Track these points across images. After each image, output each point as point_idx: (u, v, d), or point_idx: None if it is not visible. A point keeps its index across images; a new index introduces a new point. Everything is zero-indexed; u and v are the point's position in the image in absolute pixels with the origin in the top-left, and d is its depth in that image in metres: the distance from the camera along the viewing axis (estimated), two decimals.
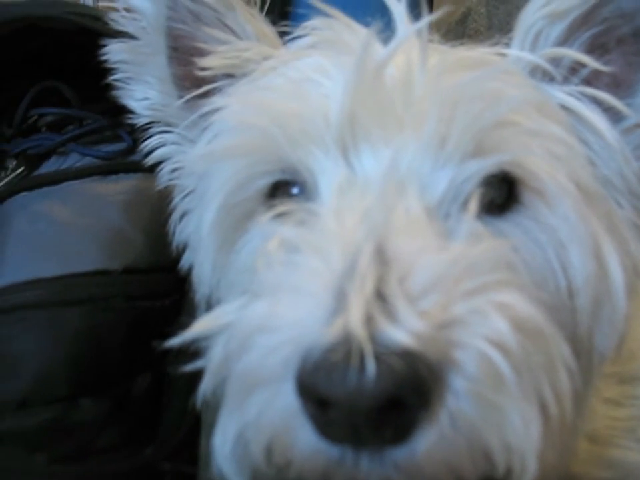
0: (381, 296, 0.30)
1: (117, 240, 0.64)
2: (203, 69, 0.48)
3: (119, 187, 0.66)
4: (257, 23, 0.49)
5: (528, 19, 0.46)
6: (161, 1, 0.50)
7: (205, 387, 0.38)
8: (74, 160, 0.68)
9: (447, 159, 0.39)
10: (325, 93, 0.41)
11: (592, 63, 0.44)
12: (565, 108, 0.45)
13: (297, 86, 0.42)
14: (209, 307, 0.51)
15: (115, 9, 0.50)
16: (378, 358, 0.28)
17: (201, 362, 0.39)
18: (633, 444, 0.57)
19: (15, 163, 0.70)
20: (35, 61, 0.68)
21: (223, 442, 0.36)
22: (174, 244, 0.55)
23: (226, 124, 0.44)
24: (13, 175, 0.69)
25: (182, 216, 0.54)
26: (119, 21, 0.51)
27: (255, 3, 0.51)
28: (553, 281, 0.40)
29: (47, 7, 0.64)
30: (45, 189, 0.65)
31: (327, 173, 0.40)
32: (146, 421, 0.64)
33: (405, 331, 0.29)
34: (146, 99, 0.53)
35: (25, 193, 0.66)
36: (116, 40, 0.51)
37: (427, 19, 0.40)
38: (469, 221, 0.36)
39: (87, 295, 0.60)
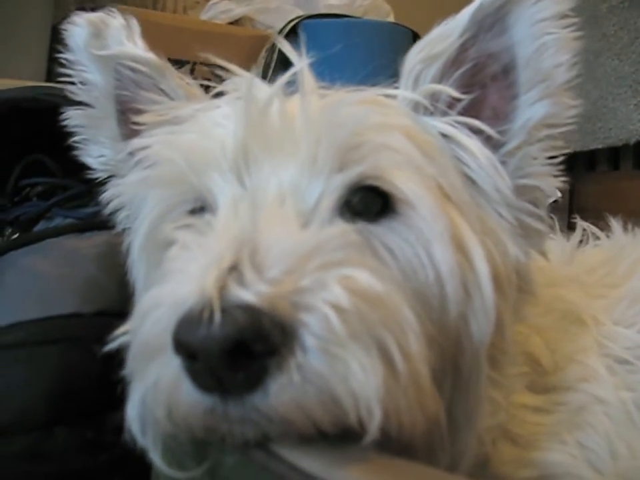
0: (234, 268, 0.38)
1: (91, 287, 0.72)
2: (139, 124, 0.58)
3: (92, 241, 0.75)
4: (185, 86, 0.60)
5: (409, 62, 0.55)
6: (109, 74, 0.61)
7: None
8: (58, 222, 0.78)
9: (318, 174, 0.47)
10: (224, 132, 0.50)
11: (456, 94, 0.53)
12: (444, 136, 0.53)
13: (204, 127, 0.51)
14: None
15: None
16: (224, 311, 0.36)
17: None
18: (557, 445, 0.61)
19: (10, 230, 0.80)
20: (20, 139, 0.79)
21: (132, 407, 0.43)
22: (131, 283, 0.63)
23: (149, 160, 0.53)
24: (10, 240, 0.79)
25: None
26: (75, 92, 0.61)
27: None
28: (423, 272, 0.47)
29: (25, 90, 0.76)
30: (31, 246, 0.75)
31: (223, 193, 0.48)
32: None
33: (249, 291, 0.37)
34: (101, 156, 0.63)
35: (13, 252, 0.76)
36: (73, 108, 0.61)
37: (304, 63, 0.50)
38: (324, 212, 0.44)
39: (63, 335, 0.68)
